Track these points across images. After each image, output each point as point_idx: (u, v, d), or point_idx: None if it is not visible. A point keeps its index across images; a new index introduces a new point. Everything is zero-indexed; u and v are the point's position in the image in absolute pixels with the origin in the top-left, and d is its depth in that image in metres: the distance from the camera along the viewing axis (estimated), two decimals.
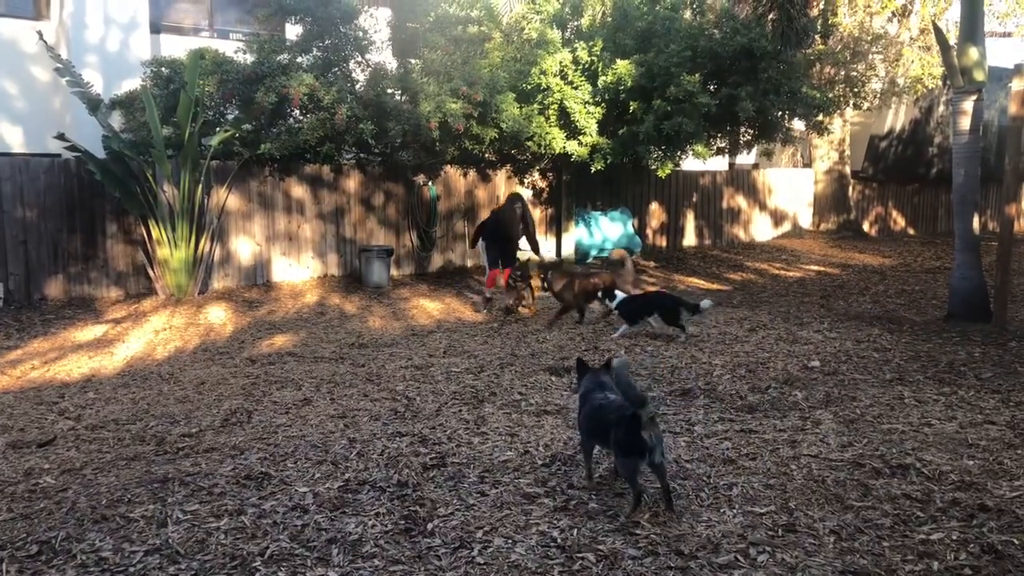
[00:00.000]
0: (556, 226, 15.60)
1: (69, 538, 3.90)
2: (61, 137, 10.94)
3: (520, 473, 4.80)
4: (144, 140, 11.24)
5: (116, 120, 11.88)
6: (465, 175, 14.52)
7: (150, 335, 9.54)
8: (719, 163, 18.86)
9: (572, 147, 13.07)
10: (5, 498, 4.46)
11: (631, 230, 15.96)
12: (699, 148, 12.97)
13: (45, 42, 11.83)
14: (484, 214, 14.81)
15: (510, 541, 3.91)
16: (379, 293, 12.26)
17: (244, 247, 12.48)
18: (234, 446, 5.35)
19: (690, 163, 15.34)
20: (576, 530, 4.02)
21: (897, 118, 20.69)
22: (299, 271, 12.87)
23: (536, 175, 15.25)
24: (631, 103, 12.88)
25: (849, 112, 19.48)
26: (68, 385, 7.38)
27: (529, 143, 12.97)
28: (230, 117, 12.19)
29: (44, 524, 4.08)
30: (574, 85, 13.08)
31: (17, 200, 10.96)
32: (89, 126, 11.73)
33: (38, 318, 10.31)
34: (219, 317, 10.50)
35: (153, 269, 11.45)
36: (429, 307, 11.37)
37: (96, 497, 4.42)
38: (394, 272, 13.28)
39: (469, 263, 14.60)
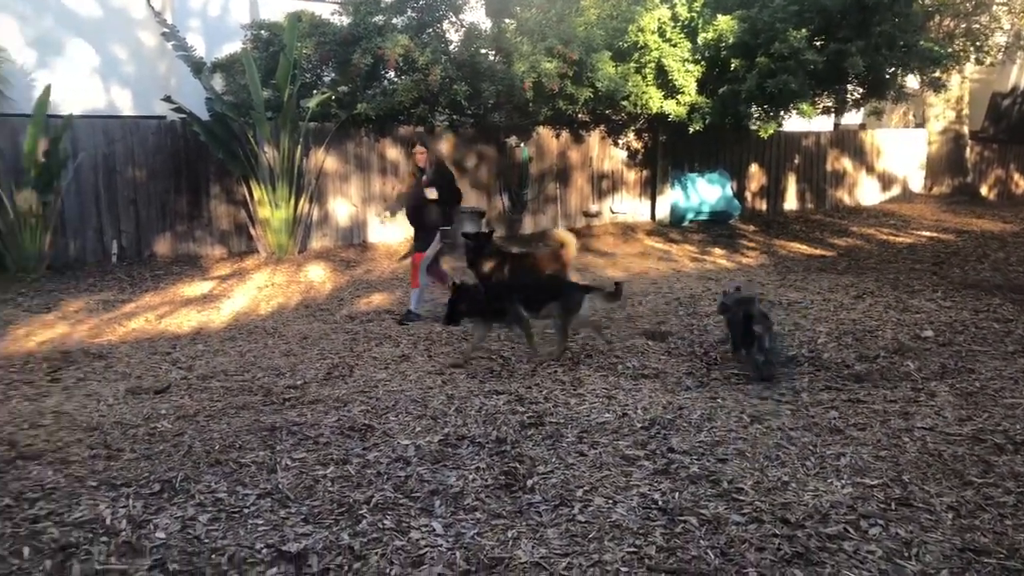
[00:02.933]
0: (651, 188, 15.30)
1: (187, 479, 4.08)
2: (168, 100, 11.33)
3: (618, 436, 4.75)
4: (244, 102, 11.52)
5: (217, 83, 12.19)
6: (558, 136, 14.35)
7: (253, 291, 9.85)
8: (823, 123, 18.06)
9: (670, 107, 12.72)
10: (128, 440, 4.70)
11: (730, 193, 15.49)
12: (804, 107, 12.41)
13: (152, 8, 12.21)
14: (577, 176, 14.67)
15: (611, 501, 3.88)
16: None
17: (341, 208, 12.71)
18: (337, 398, 5.48)
19: (793, 123, 14.73)
20: (678, 494, 3.95)
21: (1022, 74, 19.33)
22: (394, 231, 13.04)
23: (631, 136, 14.94)
24: (732, 60, 12.40)
25: (969, 68, 18.27)
26: (179, 337, 7.71)
27: (624, 103, 12.69)
28: (327, 79, 12.36)
29: (164, 465, 4.28)
30: (673, 43, 12.68)
31: (128, 161, 11.44)
32: (192, 89, 12.08)
33: (148, 274, 10.79)
34: (318, 275, 10.76)
35: (254, 228, 11.80)
36: None
37: (210, 442, 4.61)
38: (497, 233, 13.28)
39: (560, 225, 14.48)
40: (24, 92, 12.06)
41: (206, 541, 3.47)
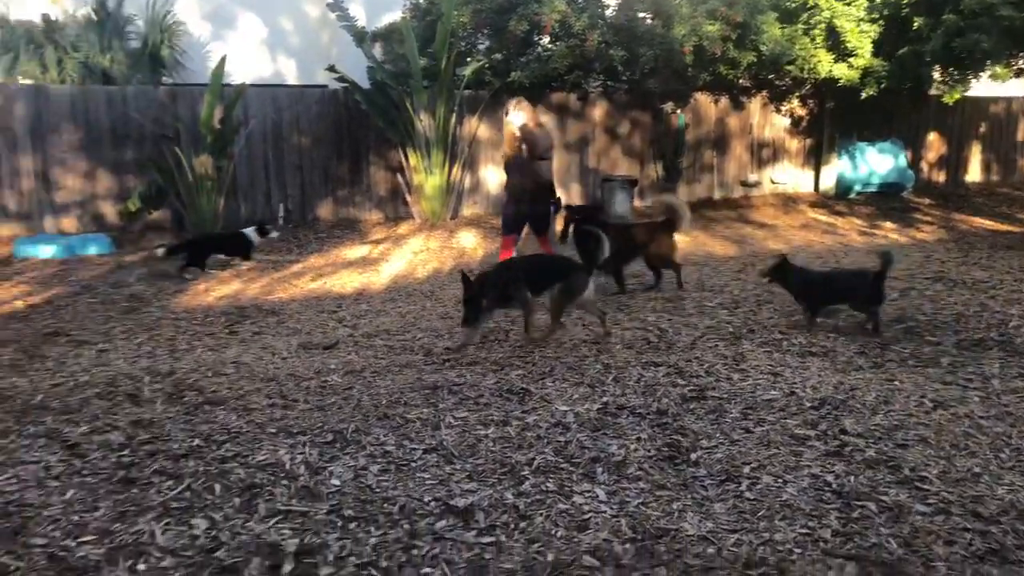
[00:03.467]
0: (815, 158, 14.53)
1: (358, 431, 4.24)
2: (332, 69, 11.78)
3: (786, 414, 4.53)
4: (403, 71, 11.80)
5: (377, 52, 12.56)
6: (716, 102, 13.84)
7: (409, 256, 10.14)
8: (1015, 88, 16.46)
9: (840, 70, 11.95)
10: (301, 391, 4.94)
11: (903, 163, 14.45)
12: (998, 69, 11.32)
13: None
14: (735, 144, 14.11)
15: (780, 480, 3.71)
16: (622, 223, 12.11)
17: (491, 175, 12.84)
18: (494, 361, 5.54)
19: (978, 88, 13.51)
20: (853, 477, 3.72)
21: None
22: None
23: (795, 102, 14.19)
24: (915, 19, 11.46)
25: None
26: (343, 297, 8.04)
27: (790, 67, 12.04)
28: (481, 47, 12.45)
29: (335, 416, 4.47)
30: (846, 1, 11.88)
31: (294, 128, 12.02)
32: (352, 59, 12.49)
33: (313, 236, 11.34)
34: (470, 242, 10.94)
35: (410, 195, 12.14)
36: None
37: (376, 397, 4.77)
38: (636, 203, 13.06)
39: (716, 195, 14.03)
40: (200, 63, 12.91)
41: (377, 490, 3.60)
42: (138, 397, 4.88)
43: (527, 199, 7.45)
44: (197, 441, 4.16)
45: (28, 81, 12.18)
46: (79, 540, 3.17)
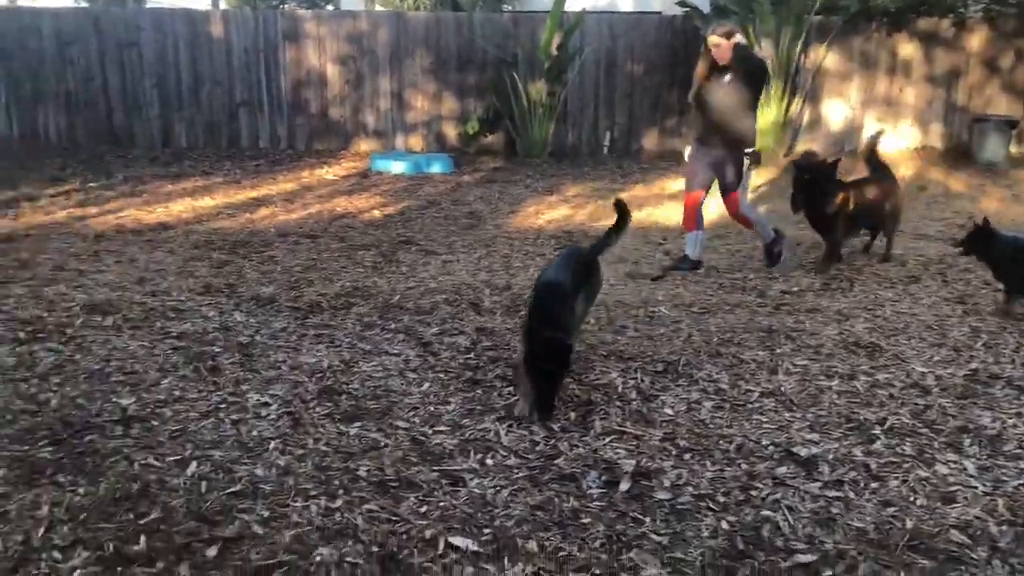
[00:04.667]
0: None
1: (689, 364, 4.16)
2: None
3: None
4: None
5: None
6: None
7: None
8: None
9: None
10: (630, 319, 4.96)
11: None
12: None
13: None
14: None
15: None
16: (992, 171, 10.52)
17: (835, 110, 11.79)
18: (837, 311, 5.12)
19: None
20: None
21: None
22: (893, 140, 11.73)
23: None
24: None
25: None
26: (669, 230, 7.92)
27: None
28: None
29: (665, 348, 4.42)
30: None
31: (628, 56, 11.95)
32: None
33: (636, 167, 11.31)
34: None
35: None
36: None
37: (707, 334, 4.64)
38: (1013, 149, 11.23)
39: None
40: None
41: (711, 426, 3.50)
42: (479, 306, 5.23)
43: (716, 142, 5.99)
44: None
45: (385, 8, 13.41)
46: (435, 429, 3.47)
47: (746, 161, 5.95)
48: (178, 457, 3.17)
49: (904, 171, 10.66)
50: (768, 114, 11.08)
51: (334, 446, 3.29)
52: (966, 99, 11.62)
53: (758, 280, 5.91)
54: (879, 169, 6.53)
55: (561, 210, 8.85)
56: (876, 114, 11.72)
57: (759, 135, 11.05)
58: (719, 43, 5.77)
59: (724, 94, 5.87)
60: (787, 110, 11.15)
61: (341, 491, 2.94)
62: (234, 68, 11.99)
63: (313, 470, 3.10)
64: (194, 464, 3.11)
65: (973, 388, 3.89)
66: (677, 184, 10.09)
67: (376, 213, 8.56)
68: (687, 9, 11.40)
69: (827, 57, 11.48)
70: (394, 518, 2.77)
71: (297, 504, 2.85)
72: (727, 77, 5.84)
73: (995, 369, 4.12)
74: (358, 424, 3.50)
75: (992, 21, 11.33)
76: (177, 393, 3.77)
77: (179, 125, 12.13)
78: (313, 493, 2.92)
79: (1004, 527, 2.74)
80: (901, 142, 11.70)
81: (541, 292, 3.79)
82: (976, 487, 2.99)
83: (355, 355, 4.32)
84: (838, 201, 5.95)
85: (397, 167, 10.95)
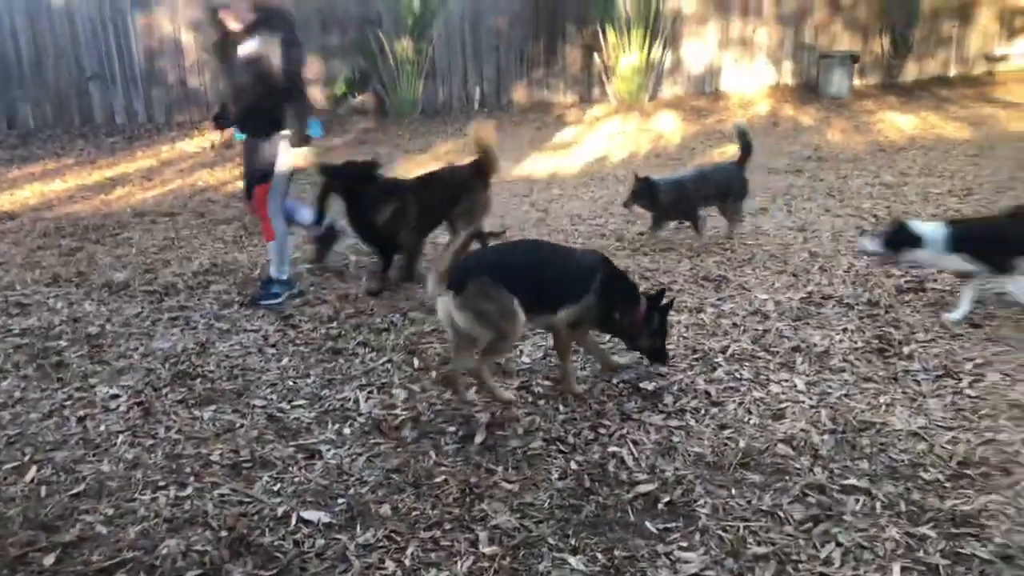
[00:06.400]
0: None
1: None
2: None
3: (1020, 310, 4.01)
4: None
5: None
6: None
7: (604, 139, 9.89)
8: None
9: None
10: None
11: None
12: None
13: None
14: (982, 12, 12.28)
15: (1008, 379, 3.34)
16: (838, 104, 11.09)
17: (695, 53, 12.09)
18: (690, 247, 5.33)
19: None
20: None
21: None
22: (750, 80, 12.16)
23: None
24: None
25: None
26: (535, 181, 8.01)
27: None
28: None
29: None
30: None
31: (492, 9, 11.85)
32: None
33: (507, 120, 11.31)
34: (668, 124, 10.48)
35: (607, 75, 11.73)
36: (899, 122, 9.98)
37: None
38: (856, 82, 11.84)
39: (952, 72, 12.43)
40: None
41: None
42: (343, 273, 5.18)
43: (248, 127, 4.75)
44: (396, 316, 4.36)
45: None
46: (292, 404, 3.45)
47: (283, 149, 4.55)
48: (16, 464, 3.03)
49: (760, 108, 11.13)
50: (631, 59, 11.28)
51: (186, 433, 3.23)
52: (813, 37, 12.13)
53: (616, 224, 6.07)
54: (459, 169, 5.27)
55: (433, 168, 8.79)
56: (733, 55, 12.10)
57: (623, 80, 11.48)
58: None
59: (244, 67, 4.45)
60: (648, 55, 11.36)
61: (192, 478, 2.90)
62: (80, 39, 11.22)
63: (163, 460, 3.03)
64: (33, 469, 2.99)
65: (807, 310, 4.15)
66: (547, 136, 10.21)
67: (240, 184, 8.28)
68: None
69: (685, 1, 11.73)
70: (246, 499, 2.76)
71: (145, 497, 2.79)
72: (249, 44, 4.39)
73: (828, 290, 4.40)
74: (213, 407, 3.44)
75: None
76: (17, 395, 3.60)
77: (23, 104, 11.32)
78: (162, 484, 2.87)
79: (826, 436, 2.97)
80: (757, 80, 12.14)
81: None
82: (804, 401, 3.22)
83: (212, 336, 4.22)
84: (390, 208, 4.80)
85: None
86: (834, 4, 12.02)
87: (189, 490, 2.82)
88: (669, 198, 5.32)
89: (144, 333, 4.27)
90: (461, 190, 4.96)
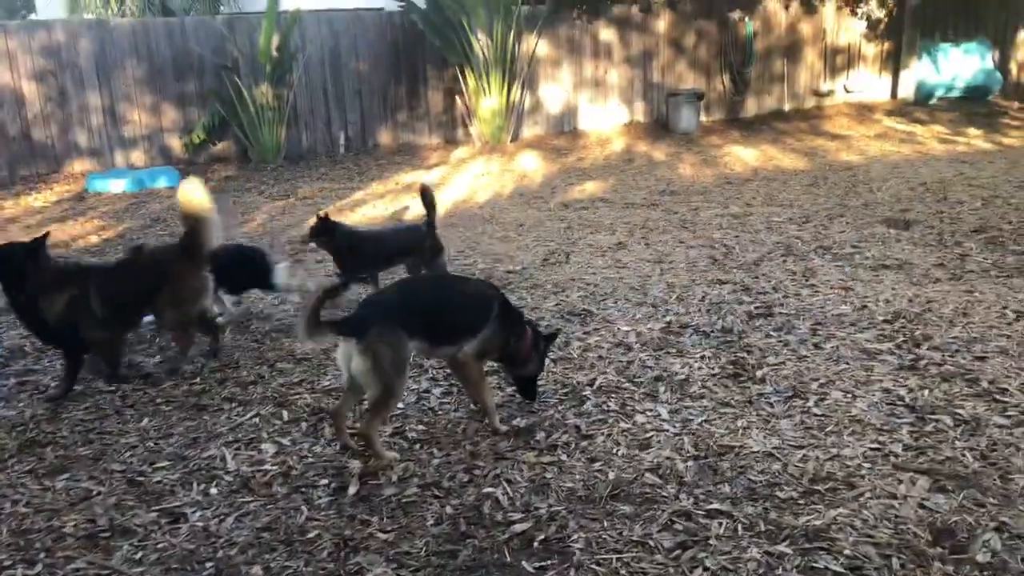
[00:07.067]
0: (893, 63, 13.74)
1: (417, 353, 4.25)
2: None
3: (857, 328, 4.38)
4: None
5: None
6: (787, 7, 13.16)
7: (469, 180, 10.06)
8: None
9: None
10: None
11: (990, 65, 13.54)
12: None
13: None
14: (807, 52, 13.40)
15: (849, 395, 3.61)
16: (687, 140, 11.78)
17: (552, 95, 12.54)
18: (556, 283, 5.49)
19: None
20: (928, 391, 3.60)
21: None
22: (605, 118, 12.72)
23: (873, 3, 13.34)
24: None
25: None
26: (404, 223, 8.03)
27: None
28: None
29: None
30: None
31: (352, 53, 11.89)
32: None
33: (373, 163, 11.32)
34: (531, 164, 10.78)
35: (469, 118, 11.96)
36: (743, 155, 10.69)
37: None
38: (703, 118, 12.63)
39: (787, 106, 13.45)
40: None
41: (439, 412, 3.63)
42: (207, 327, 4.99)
43: None
44: (263, 368, 4.26)
45: (91, 16, 12.30)
46: (155, 466, 3.29)
47: None
48: None
49: (616, 146, 11.64)
50: (492, 102, 11.56)
51: (35, 505, 3.02)
52: (660, 76, 12.86)
53: (485, 263, 6.17)
54: (163, 250, 4.67)
55: (296, 214, 8.65)
56: (588, 96, 12.62)
57: (485, 123, 11.74)
58: None
59: None
60: (508, 97, 11.68)
61: (43, 554, 2.71)
62: None
63: (9, 536, 2.82)
64: None
65: (667, 339, 4.35)
66: (414, 177, 10.27)
67: (93, 239, 7.87)
68: (403, 4, 11.54)
69: (539, 45, 12.16)
70: (104, 571, 2.60)
71: None
72: None
73: (685, 319, 4.63)
74: (66, 476, 3.23)
75: (673, 6, 12.61)
76: None
77: None
78: (8, 563, 2.66)
79: (689, 462, 3.11)
80: (612, 119, 12.72)
81: None
82: (668, 430, 3.36)
83: (64, 399, 3.96)
84: (63, 298, 3.97)
85: (116, 186, 10.11)
86: (677, 46, 12.80)
87: (39, 567, 2.63)
88: (344, 243, 5.22)
89: None
90: (165, 275, 4.18)
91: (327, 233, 5.21)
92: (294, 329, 4.51)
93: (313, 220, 5.33)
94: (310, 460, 3.27)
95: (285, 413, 3.71)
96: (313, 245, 5.47)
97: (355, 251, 5.22)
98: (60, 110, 11.04)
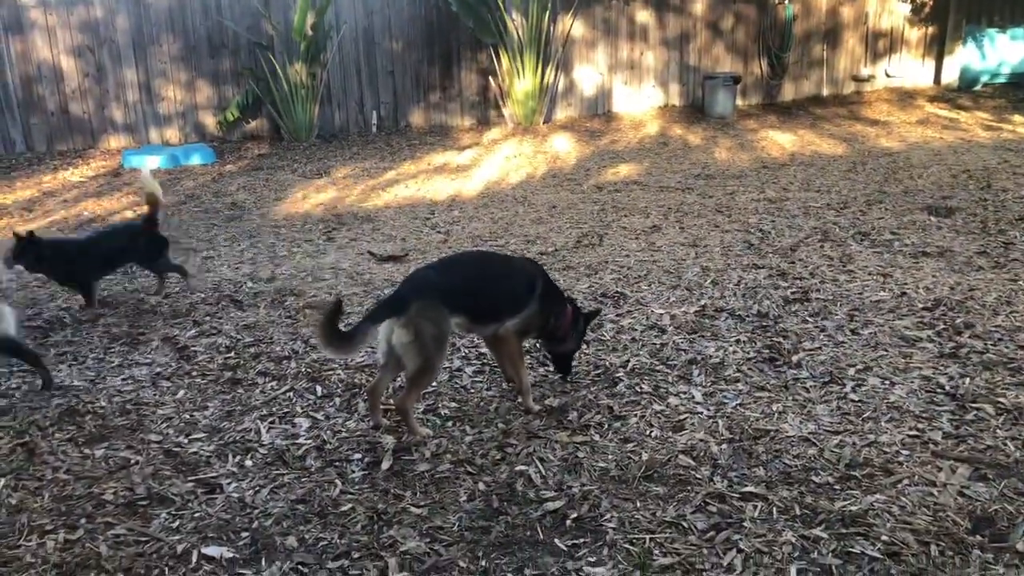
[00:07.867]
0: (937, 48, 13.38)
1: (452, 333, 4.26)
2: None
3: (896, 315, 4.31)
4: None
5: None
6: None
7: (502, 161, 10.02)
8: None
9: None
10: None
11: None
12: None
13: None
14: (848, 36, 13.13)
15: (887, 382, 3.56)
16: (723, 124, 11.62)
17: (586, 76, 12.42)
18: (589, 265, 5.46)
19: None
20: (969, 379, 3.53)
21: None
22: (639, 101, 12.59)
23: None
24: None
25: None
26: (436, 204, 8.04)
27: None
28: None
29: None
30: None
31: (385, 32, 11.86)
32: None
33: (405, 143, 11.32)
34: (564, 146, 10.71)
35: (502, 98, 11.90)
36: (780, 139, 10.53)
37: None
38: (739, 102, 12.43)
39: (825, 91, 13.20)
40: None
41: (472, 391, 3.64)
42: (241, 302, 5.05)
43: None
44: (297, 344, 4.29)
45: None
46: (191, 437, 3.33)
47: None
48: None
49: (650, 128, 11.52)
50: (525, 83, 11.49)
51: (76, 472, 3.07)
52: (697, 59, 12.67)
53: (518, 244, 6.15)
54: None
55: (329, 193, 8.69)
56: (623, 77, 12.49)
57: (518, 104, 11.67)
58: None
59: None
60: (542, 79, 11.59)
61: (84, 520, 2.75)
62: None
63: (51, 502, 2.87)
64: None
65: (702, 323, 4.31)
66: (446, 158, 10.26)
67: (128, 214, 7.97)
68: None
69: (574, 26, 12.05)
70: (143, 539, 2.64)
71: (31, 543, 2.63)
72: None
73: (720, 303, 4.58)
74: (104, 444, 3.28)
75: None
76: None
77: None
78: (50, 528, 2.71)
79: (724, 445, 3.08)
80: (646, 102, 12.58)
81: None
82: (701, 412, 3.34)
83: (102, 370, 4.03)
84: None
85: (152, 162, 10.22)
86: (715, 28, 12.60)
87: (80, 532, 2.68)
88: (59, 257, 4.90)
89: (27, 370, 4.03)
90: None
91: (32, 252, 4.76)
92: (323, 351, 4.07)
93: (12, 240, 4.79)
94: (344, 435, 3.29)
95: (319, 388, 3.73)
96: (20, 267, 4.91)
97: (72, 263, 4.94)
98: (97, 86, 11.19)
